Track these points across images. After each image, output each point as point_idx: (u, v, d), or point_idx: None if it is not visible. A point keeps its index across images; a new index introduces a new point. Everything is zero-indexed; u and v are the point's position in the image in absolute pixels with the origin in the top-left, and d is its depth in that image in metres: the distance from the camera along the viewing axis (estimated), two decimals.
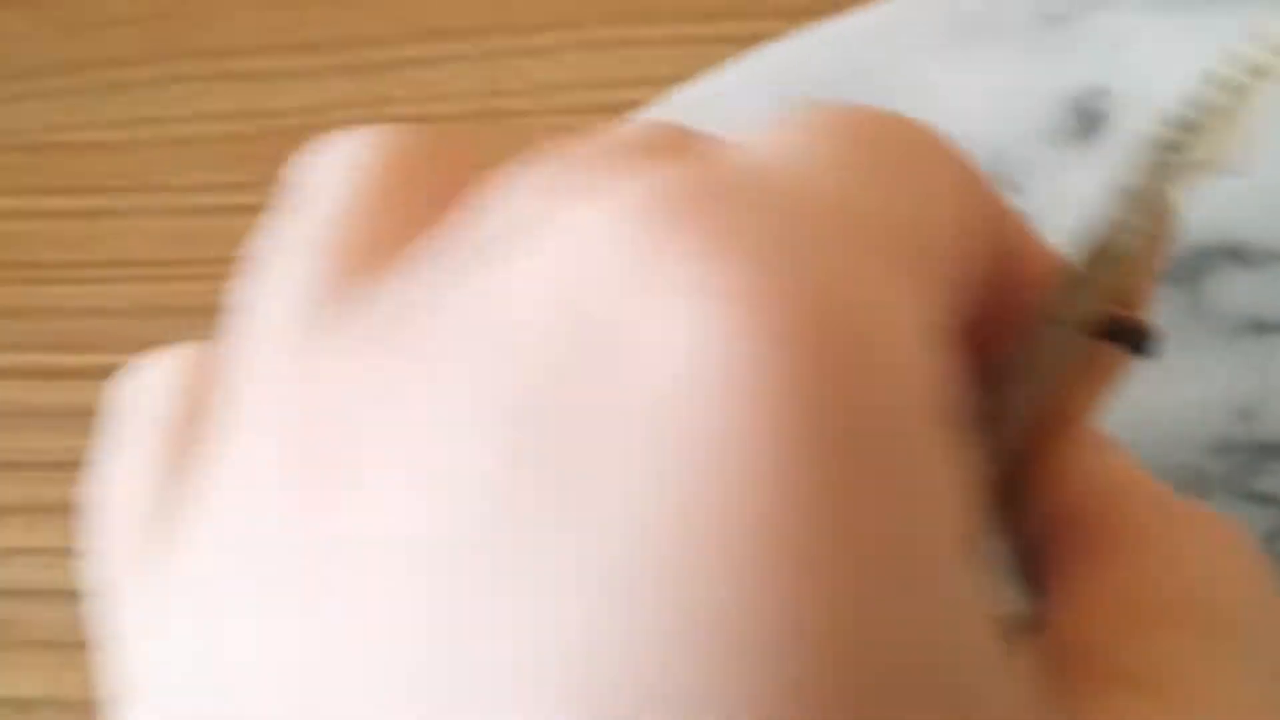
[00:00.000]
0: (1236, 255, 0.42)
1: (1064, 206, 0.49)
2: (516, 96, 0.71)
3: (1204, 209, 0.39)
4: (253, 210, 0.71)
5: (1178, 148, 0.31)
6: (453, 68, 0.74)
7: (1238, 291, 0.42)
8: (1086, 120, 0.50)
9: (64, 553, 0.60)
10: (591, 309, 0.13)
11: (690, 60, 0.64)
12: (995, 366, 0.24)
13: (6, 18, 0.82)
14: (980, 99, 0.51)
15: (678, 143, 0.17)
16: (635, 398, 0.13)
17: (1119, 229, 0.28)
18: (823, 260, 0.14)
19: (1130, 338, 0.26)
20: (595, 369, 0.13)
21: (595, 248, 0.14)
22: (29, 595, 0.61)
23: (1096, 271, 0.27)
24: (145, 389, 0.21)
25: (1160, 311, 0.38)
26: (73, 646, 0.54)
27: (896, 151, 0.17)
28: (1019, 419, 0.24)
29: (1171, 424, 0.40)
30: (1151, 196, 0.28)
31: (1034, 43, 0.52)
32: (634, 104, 0.65)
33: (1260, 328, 0.43)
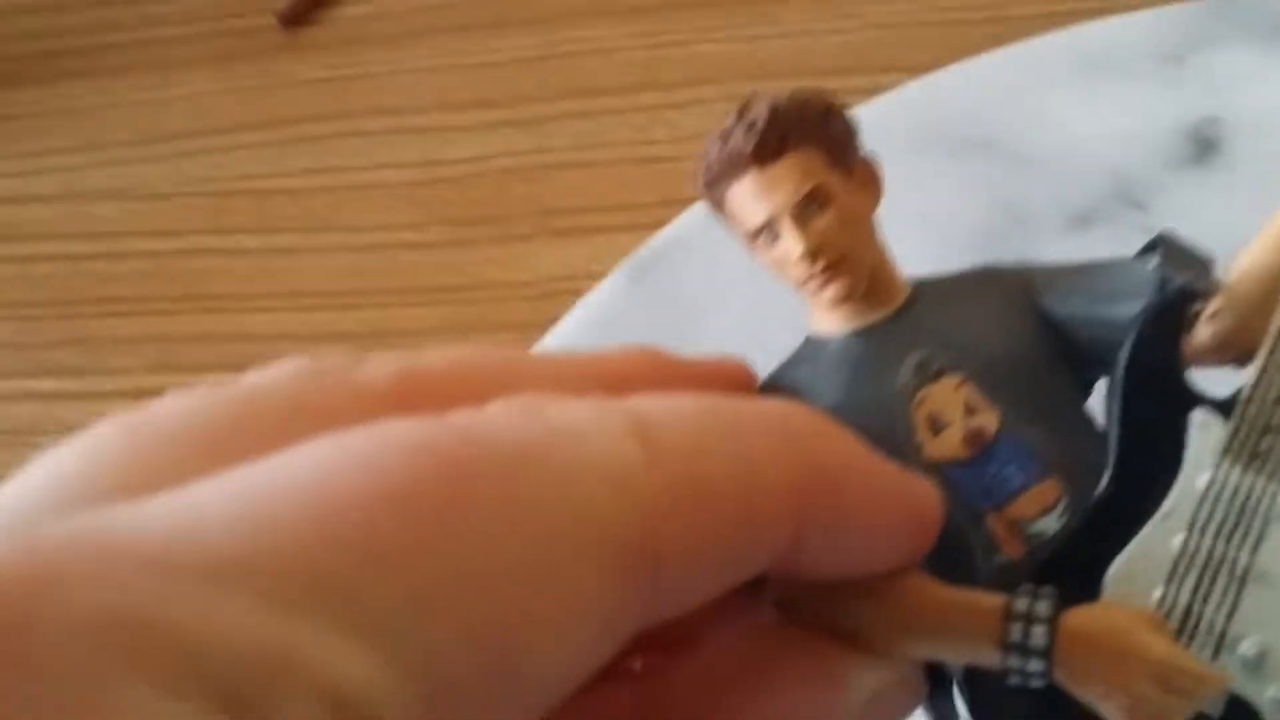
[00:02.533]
0: None
1: (1183, 224, 0.53)
2: (665, 144, 0.76)
3: None
4: (423, 247, 0.79)
5: None
6: (606, 120, 0.81)
7: None
8: (1202, 147, 0.54)
9: None
10: None
11: None
12: None
13: (200, 79, 0.90)
14: (1105, 128, 0.55)
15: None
16: None
17: None
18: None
19: None
20: None
21: None
22: None
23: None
24: None
25: None
26: None
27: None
28: None
29: None
30: None
31: (1152, 78, 0.57)
32: None
33: None
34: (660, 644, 0.20)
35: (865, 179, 0.32)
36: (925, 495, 0.21)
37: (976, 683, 0.26)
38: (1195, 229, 0.50)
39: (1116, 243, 0.50)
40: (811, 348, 0.31)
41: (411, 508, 0.14)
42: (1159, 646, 0.22)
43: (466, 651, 0.13)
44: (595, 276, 0.58)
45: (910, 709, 0.23)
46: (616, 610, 0.15)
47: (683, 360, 0.23)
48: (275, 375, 0.18)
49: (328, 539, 0.13)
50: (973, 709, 0.26)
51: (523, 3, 0.85)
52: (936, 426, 0.29)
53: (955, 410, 0.29)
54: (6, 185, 0.80)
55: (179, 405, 0.18)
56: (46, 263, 0.75)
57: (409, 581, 0.13)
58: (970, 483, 0.28)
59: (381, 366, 0.19)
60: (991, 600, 0.22)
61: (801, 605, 0.21)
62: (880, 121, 0.60)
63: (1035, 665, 0.22)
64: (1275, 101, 0.55)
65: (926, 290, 0.31)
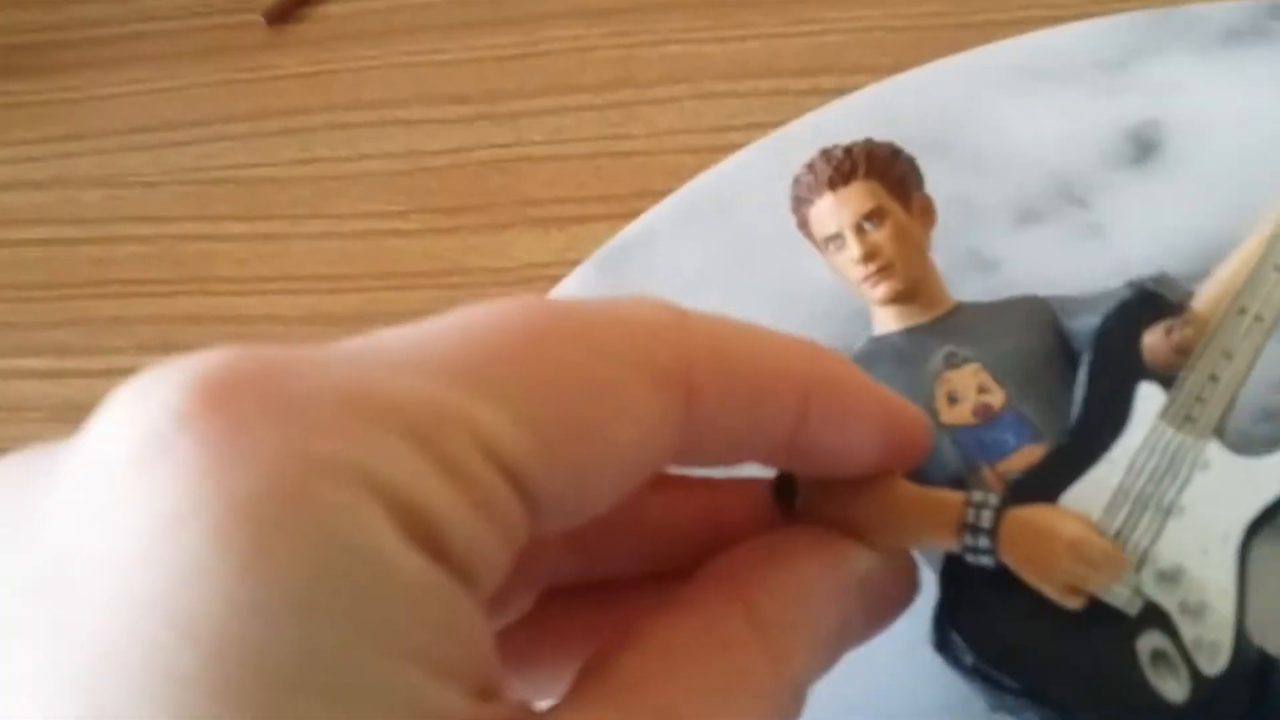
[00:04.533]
0: None
1: (1123, 220, 0.56)
2: (638, 139, 0.80)
3: None
4: (407, 234, 0.81)
5: None
6: (582, 115, 0.84)
7: None
8: (1142, 148, 0.57)
9: None
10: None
11: (789, 109, 0.71)
12: None
13: (190, 73, 0.92)
14: (1048, 132, 0.58)
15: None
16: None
17: None
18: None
19: None
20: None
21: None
22: None
23: None
24: None
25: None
26: None
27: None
28: None
29: None
30: None
31: (1094, 83, 0.60)
32: (739, 145, 0.74)
33: None
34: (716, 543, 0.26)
35: (921, 210, 0.40)
36: (914, 415, 0.26)
37: (951, 578, 0.31)
38: (1135, 224, 0.54)
39: (1061, 237, 0.54)
40: (871, 345, 0.39)
41: (525, 336, 0.20)
42: (1072, 526, 0.29)
43: (565, 421, 0.20)
44: (570, 263, 0.61)
45: (907, 596, 0.28)
46: (662, 414, 0.21)
47: None
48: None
49: (472, 351, 0.20)
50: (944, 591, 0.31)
51: (501, 4, 0.87)
52: (953, 400, 0.36)
53: (970, 389, 0.36)
54: (2, 171, 0.83)
55: None
56: (39, 247, 0.77)
57: (525, 376, 0.20)
58: (972, 442, 0.35)
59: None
60: (957, 495, 0.28)
61: (817, 507, 0.27)
62: (845, 121, 0.63)
63: (984, 542, 0.27)
64: (1212, 106, 0.58)
65: (967, 307, 0.39)
